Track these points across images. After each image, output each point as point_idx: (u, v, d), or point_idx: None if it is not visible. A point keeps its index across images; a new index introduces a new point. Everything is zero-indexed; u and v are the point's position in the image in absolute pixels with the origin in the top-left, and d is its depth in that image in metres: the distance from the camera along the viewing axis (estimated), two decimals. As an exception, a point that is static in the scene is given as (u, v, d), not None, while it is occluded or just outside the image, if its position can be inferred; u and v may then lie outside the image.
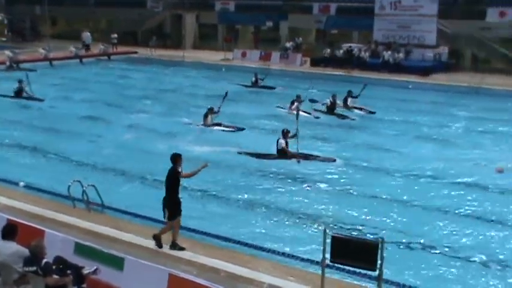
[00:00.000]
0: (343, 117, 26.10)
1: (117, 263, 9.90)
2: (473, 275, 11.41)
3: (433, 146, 21.46)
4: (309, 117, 25.06)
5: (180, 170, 11.45)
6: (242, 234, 12.80)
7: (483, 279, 11.27)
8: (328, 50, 43.74)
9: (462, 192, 16.03)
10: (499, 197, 15.74)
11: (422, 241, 12.78)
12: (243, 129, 23.35)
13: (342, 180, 17.02)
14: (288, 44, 46.71)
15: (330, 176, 17.39)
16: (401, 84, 35.92)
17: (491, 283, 11.14)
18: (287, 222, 13.92)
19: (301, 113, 25.30)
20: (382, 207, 14.90)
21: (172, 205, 11.41)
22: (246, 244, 11.99)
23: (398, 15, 42.80)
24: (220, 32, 53.12)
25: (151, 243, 11.85)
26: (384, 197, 15.60)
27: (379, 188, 16.20)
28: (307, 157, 19.02)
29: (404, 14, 42.62)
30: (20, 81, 29.88)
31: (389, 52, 41.34)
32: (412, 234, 13.06)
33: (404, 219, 14.09)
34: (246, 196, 15.59)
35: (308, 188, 16.33)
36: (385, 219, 14.04)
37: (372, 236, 12.25)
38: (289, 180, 17.01)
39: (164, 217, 11.50)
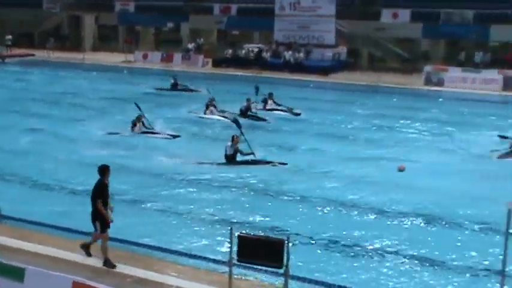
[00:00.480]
0: (258, 119, 25.66)
1: (17, 274, 9.52)
2: (374, 266, 11.74)
3: (335, 143, 21.95)
4: (225, 121, 24.61)
5: (107, 182, 11.06)
6: (150, 238, 12.60)
7: (383, 269, 11.62)
8: (230, 51, 43.98)
9: (364, 189, 16.47)
10: (399, 192, 16.25)
11: (327, 237, 13.03)
12: (178, 136, 22.38)
13: (253, 182, 17.09)
14: (190, 45, 46.59)
15: (248, 180, 17.35)
16: (303, 84, 36.57)
17: (385, 270, 11.48)
18: (197, 225, 13.85)
19: (217, 116, 25.23)
20: (289, 207, 15.12)
21: (100, 217, 10.98)
22: (152, 247, 11.82)
23: (298, 16, 43.60)
24: (120, 33, 52.24)
25: (55, 252, 11.47)
26: (292, 196, 15.83)
27: (287, 186, 16.44)
28: (257, 162, 18.66)
29: (303, 15, 43.45)
30: None
31: (290, 52, 42.06)
32: (317, 232, 13.29)
33: (310, 217, 14.34)
34: (160, 202, 15.28)
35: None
36: (292, 217, 14.22)
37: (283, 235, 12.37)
38: (209, 185, 16.85)
39: (96, 230, 11.06)
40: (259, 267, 8.99)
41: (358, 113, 27.95)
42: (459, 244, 12.81)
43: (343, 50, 42.76)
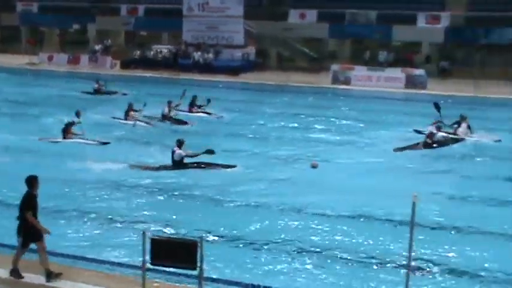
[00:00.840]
0: (180, 122, 25.14)
1: None
2: (295, 266, 11.87)
3: (247, 143, 22.09)
4: (146, 126, 24.32)
5: (36, 193, 10.63)
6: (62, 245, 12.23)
7: (302, 268, 11.79)
8: (138, 52, 43.46)
9: (277, 187, 16.67)
10: (309, 189, 16.55)
11: (242, 237, 13.09)
12: (107, 142, 21.50)
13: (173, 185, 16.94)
14: (97, 47, 45.69)
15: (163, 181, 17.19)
16: (212, 84, 36.60)
17: (304, 270, 11.68)
18: (111, 229, 13.59)
19: (138, 122, 24.40)
20: (202, 208, 15.11)
21: (27, 231, 10.52)
22: (65, 256, 11.46)
23: (207, 17, 43.59)
24: (23, 34, 50.51)
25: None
26: (202, 197, 15.83)
27: (198, 191, 16.42)
28: (207, 165, 18.34)
29: (212, 16, 43.49)
30: None
31: (199, 53, 42.00)
32: (232, 232, 13.33)
33: (225, 218, 14.36)
34: (78, 207, 14.88)
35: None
36: (206, 218, 14.20)
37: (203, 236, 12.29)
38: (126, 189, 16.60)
39: (18, 243, 10.57)
40: (174, 269, 8.95)
41: (268, 113, 28.23)
42: (372, 238, 13.17)
43: (252, 50, 43.12)
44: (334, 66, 39.34)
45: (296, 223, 14.06)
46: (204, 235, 10.82)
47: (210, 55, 41.92)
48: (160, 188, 16.57)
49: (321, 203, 15.33)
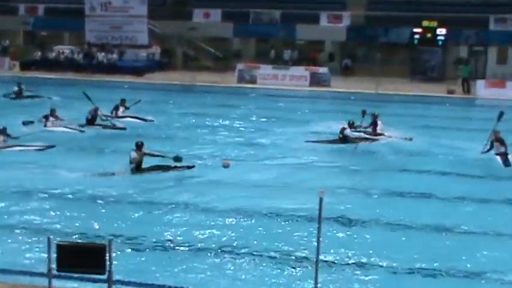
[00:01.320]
0: (106, 127, 23.97)
1: None
2: (208, 264, 11.85)
3: (156, 144, 21.78)
4: (73, 133, 23.04)
5: None
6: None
7: (216, 267, 11.78)
8: (39, 53, 42.12)
9: (187, 187, 16.59)
10: (219, 188, 16.58)
11: (153, 239, 12.95)
12: (53, 146, 20.44)
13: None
14: (-7, 47, 43.98)
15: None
16: (117, 85, 35.97)
17: (218, 268, 11.69)
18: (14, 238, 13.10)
19: (63, 129, 23.02)
20: (107, 211, 14.84)
21: None
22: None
23: (110, 16, 42.81)
24: None
25: None
26: (106, 199, 15.55)
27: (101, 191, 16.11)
28: (164, 168, 17.83)
29: (115, 15, 42.76)
30: None
31: (103, 53, 41.19)
32: (142, 233, 13.16)
33: (134, 219, 14.17)
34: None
35: None
36: (114, 221, 13.95)
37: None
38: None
39: None
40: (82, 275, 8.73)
41: (176, 113, 28.04)
42: (280, 234, 13.33)
43: (157, 50, 42.76)
44: (240, 66, 39.57)
45: (206, 222, 14.04)
46: (113, 238, 10.62)
47: (114, 55, 41.20)
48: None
49: (231, 201, 15.38)
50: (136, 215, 14.61)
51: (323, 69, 39.35)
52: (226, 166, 17.98)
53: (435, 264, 11.73)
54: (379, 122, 22.73)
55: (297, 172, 18.29)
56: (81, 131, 23.29)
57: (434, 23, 40.03)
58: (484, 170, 18.78)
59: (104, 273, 8.30)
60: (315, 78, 38.27)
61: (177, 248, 12.59)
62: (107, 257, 8.21)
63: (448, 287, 11.29)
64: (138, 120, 25.37)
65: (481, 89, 36.31)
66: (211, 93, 34.20)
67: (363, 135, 22.41)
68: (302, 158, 20.02)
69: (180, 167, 17.86)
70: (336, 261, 11.84)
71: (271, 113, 28.27)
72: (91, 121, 23.98)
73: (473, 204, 15.66)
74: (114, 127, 24.05)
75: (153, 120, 25.66)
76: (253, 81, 38.37)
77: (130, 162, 17.62)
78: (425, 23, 40.16)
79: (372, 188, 16.75)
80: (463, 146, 21.23)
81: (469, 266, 11.74)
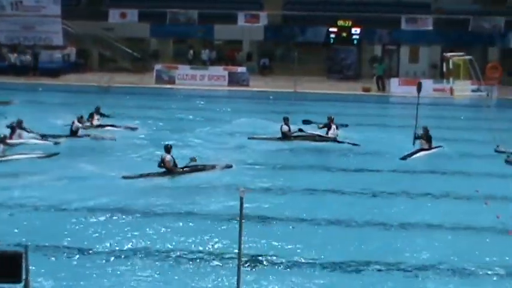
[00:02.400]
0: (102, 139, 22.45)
1: None
2: (119, 265, 11.70)
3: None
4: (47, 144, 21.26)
5: None
6: None
7: (127, 271, 11.66)
8: None
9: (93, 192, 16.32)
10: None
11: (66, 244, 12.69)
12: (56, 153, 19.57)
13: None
14: None
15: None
16: (32, 87, 34.97)
17: (130, 268, 11.57)
18: None
19: (33, 140, 21.13)
20: (24, 215, 14.44)
21: None
22: None
23: (21, 16, 41.48)
24: None
25: None
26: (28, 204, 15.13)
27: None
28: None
29: (27, 15, 41.46)
30: None
31: (15, 54, 39.92)
32: (60, 238, 12.87)
33: (47, 224, 13.84)
34: None
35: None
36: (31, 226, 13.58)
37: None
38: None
39: None
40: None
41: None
42: (202, 235, 13.32)
43: (72, 50, 41.82)
44: (158, 66, 39.24)
45: (124, 226, 13.87)
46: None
47: (28, 57, 39.98)
48: None
49: (152, 203, 15.27)
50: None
51: (241, 69, 39.56)
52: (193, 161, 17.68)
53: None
54: (333, 126, 22.51)
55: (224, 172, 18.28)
56: (56, 143, 21.20)
57: (349, 23, 40.98)
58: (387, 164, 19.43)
59: (20, 282, 8.05)
60: (233, 77, 38.41)
61: (96, 253, 12.37)
62: (23, 265, 7.97)
63: (346, 277, 11.56)
64: (119, 129, 23.65)
65: (395, 86, 37.43)
66: (129, 94, 33.72)
67: (306, 134, 22.62)
68: (228, 156, 20.00)
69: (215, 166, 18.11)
70: (258, 261, 11.92)
71: (190, 114, 28.18)
72: (75, 132, 22.24)
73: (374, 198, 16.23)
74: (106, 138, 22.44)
75: (137, 128, 24.10)
76: (172, 82, 38.14)
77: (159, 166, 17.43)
78: (340, 23, 41.04)
79: (291, 186, 17.00)
80: (381, 141, 21.96)
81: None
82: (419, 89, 21.80)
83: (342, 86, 37.65)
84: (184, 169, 17.81)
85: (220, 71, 39.27)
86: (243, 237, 8.89)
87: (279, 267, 11.74)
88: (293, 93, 34.39)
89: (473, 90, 22.62)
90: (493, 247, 12.77)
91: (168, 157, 17.46)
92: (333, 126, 22.48)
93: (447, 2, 41.75)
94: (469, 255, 12.27)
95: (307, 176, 18.28)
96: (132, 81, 37.27)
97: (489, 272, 11.60)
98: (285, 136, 22.36)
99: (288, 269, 11.67)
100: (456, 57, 20.85)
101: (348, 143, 22.02)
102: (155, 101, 31.98)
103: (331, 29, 41.04)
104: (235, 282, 9.18)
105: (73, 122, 22.31)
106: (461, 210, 15.18)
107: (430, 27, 40.72)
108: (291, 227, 14.00)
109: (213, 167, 18.22)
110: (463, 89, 21.61)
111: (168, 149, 17.67)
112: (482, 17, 40.66)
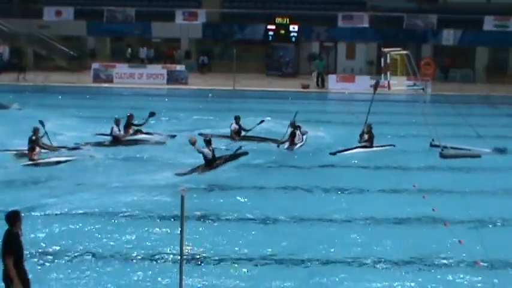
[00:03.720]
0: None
1: None
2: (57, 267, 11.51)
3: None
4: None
5: (20, 231, 8.97)
6: None
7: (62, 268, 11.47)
8: None
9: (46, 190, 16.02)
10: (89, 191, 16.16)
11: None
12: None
13: None
14: None
15: None
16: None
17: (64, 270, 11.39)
18: None
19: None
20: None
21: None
22: None
23: (-50, 14, 40.22)
24: None
25: None
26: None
27: None
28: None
29: (-44, 13, 40.23)
30: None
31: None
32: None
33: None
34: None
35: None
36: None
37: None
38: None
39: None
40: None
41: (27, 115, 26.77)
42: (140, 235, 13.21)
43: (5, 49, 40.77)
44: (95, 65, 38.67)
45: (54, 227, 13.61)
46: None
47: (-42, 56, 38.85)
48: None
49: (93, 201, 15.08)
50: None
51: (180, 67, 39.43)
52: (193, 143, 17.49)
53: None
54: (297, 133, 21.04)
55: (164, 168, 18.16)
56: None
57: (287, 20, 41.33)
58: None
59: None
60: (172, 76, 38.21)
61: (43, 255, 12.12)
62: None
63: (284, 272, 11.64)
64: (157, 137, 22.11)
65: (333, 83, 37.99)
66: (66, 93, 33.08)
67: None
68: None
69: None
70: (199, 258, 11.93)
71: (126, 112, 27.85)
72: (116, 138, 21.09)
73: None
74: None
75: (175, 136, 22.37)
76: (110, 81, 37.64)
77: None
78: (278, 20, 41.38)
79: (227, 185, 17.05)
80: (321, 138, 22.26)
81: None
82: (376, 88, 22.01)
83: (281, 83, 37.98)
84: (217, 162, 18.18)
85: (158, 69, 39.03)
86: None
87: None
88: (232, 91, 34.43)
89: (409, 86, 23.03)
90: (430, 239, 13.10)
91: (206, 150, 17.85)
92: (297, 133, 20.98)
93: (382, 0, 42.65)
94: (407, 248, 12.57)
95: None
96: (69, 80, 36.61)
97: (427, 263, 11.91)
98: (235, 135, 21.77)
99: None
100: (393, 52, 21.17)
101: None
102: (92, 100, 31.49)
103: (269, 27, 41.33)
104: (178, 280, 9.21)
105: (112, 128, 21.09)
106: (399, 204, 15.52)
107: (366, 25, 41.50)
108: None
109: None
110: (400, 84, 21.97)
111: (208, 142, 18.10)
112: (416, 14, 41.71)
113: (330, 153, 20.08)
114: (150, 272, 11.39)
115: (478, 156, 20.28)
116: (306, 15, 41.25)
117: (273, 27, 41.33)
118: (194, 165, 18.08)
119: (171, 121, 25.58)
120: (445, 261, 12.04)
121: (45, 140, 19.30)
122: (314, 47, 43.20)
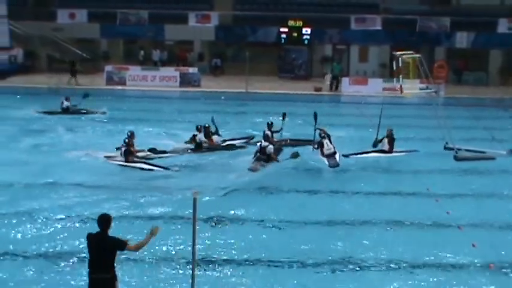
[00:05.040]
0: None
1: None
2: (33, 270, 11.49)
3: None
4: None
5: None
6: None
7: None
8: None
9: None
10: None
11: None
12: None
13: None
14: None
15: None
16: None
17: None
18: None
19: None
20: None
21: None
22: None
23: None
24: None
25: None
26: None
27: None
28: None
29: (-29, 16, 40.46)
30: None
31: (-41, 56, 38.94)
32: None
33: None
34: None
35: None
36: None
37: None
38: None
39: None
40: None
41: (46, 118, 26.90)
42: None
43: (19, 52, 40.97)
44: (108, 67, 38.78)
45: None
46: None
47: (-28, 58, 39.03)
48: None
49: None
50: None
51: (193, 69, 39.46)
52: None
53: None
54: (325, 141, 19.91)
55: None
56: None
57: (300, 23, 41.26)
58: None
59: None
60: (185, 78, 38.25)
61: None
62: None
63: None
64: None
65: (346, 86, 37.88)
66: (79, 95, 33.06)
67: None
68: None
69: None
70: (212, 260, 11.92)
71: (142, 115, 27.94)
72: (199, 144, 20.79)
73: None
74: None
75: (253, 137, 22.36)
76: (123, 83, 37.74)
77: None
78: (291, 23, 41.29)
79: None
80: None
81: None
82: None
83: (293, 86, 37.92)
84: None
85: (171, 71, 39.06)
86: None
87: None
88: (245, 93, 34.43)
89: (421, 89, 22.92)
90: (444, 242, 13.02)
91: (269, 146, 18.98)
92: (325, 141, 19.87)
93: (395, 2, 42.49)
94: (420, 251, 12.50)
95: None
96: (82, 82, 36.72)
97: (440, 266, 11.85)
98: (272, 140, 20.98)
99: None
100: (405, 56, 21.08)
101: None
102: (105, 102, 31.43)
103: (282, 29, 41.26)
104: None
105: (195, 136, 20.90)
106: (412, 207, 15.44)
107: (379, 27, 41.34)
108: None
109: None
110: (412, 87, 21.87)
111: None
112: (429, 17, 41.52)
113: (343, 155, 19.98)
114: (160, 274, 11.39)
115: (492, 158, 20.14)
116: (318, 17, 41.15)
117: (286, 29, 41.26)
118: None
119: (176, 123, 25.54)
120: (458, 264, 11.98)
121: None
122: (327, 50, 43.11)
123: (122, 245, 8.95)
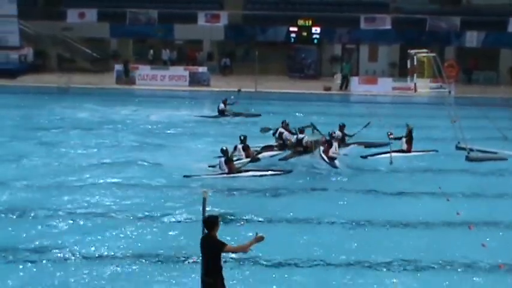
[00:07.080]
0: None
1: None
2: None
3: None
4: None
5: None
6: None
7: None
8: None
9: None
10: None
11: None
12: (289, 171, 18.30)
13: None
14: None
15: None
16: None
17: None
18: None
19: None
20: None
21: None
22: None
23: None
24: None
25: None
26: None
27: None
28: None
29: (-19, 15, 40.61)
30: None
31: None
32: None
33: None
34: None
35: None
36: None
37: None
38: None
39: None
40: None
41: (54, 118, 26.99)
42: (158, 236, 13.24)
43: (29, 51, 41.13)
44: (118, 66, 38.85)
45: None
46: None
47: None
48: None
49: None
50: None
51: (202, 69, 39.48)
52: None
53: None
54: (334, 144, 19.44)
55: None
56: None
57: (309, 22, 41.20)
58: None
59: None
60: (194, 77, 38.28)
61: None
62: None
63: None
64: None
65: (355, 85, 37.78)
66: (89, 95, 33.28)
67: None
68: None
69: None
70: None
71: (152, 114, 28.01)
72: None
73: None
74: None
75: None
76: (132, 82, 37.81)
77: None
78: (300, 22, 41.25)
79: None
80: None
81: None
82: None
83: (302, 85, 37.86)
84: None
85: (181, 71, 39.10)
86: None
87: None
88: (254, 93, 34.39)
89: (433, 88, 22.82)
90: (454, 242, 12.95)
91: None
92: (335, 145, 19.35)
93: (405, 2, 42.34)
94: (430, 250, 12.44)
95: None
96: (92, 81, 36.82)
97: (450, 266, 11.79)
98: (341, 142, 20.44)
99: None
100: (420, 54, 20.97)
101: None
102: (114, 101, 31.56)
103: (291, 29, 41.22)
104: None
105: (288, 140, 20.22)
106: (423, 206, 15.37)
107: (389, 27, 41.21)
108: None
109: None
110: (425, 86, 21.79)
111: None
112: (439, 16, 41.35)
113: (361, 157, 19.84)
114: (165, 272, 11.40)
115: (504, 159, 20.01)
116: (328, 17, 41.09)
117: (295, 29, 41.21)
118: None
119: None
120: (468, 264, 11.91)
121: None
122: (336, 49, 43.02)
123: (220, 246, 8.82)
